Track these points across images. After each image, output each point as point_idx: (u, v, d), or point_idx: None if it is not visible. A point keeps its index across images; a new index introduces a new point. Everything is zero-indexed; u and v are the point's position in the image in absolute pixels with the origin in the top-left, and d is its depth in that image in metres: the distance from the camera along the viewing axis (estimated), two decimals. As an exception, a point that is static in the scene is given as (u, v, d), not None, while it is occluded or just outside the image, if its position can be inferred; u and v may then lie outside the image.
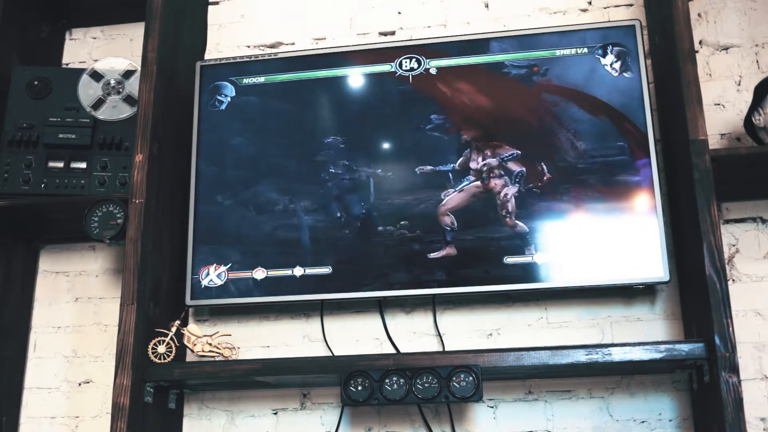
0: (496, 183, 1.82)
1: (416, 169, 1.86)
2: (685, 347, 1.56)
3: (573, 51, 1.86)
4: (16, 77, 2.00)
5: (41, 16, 2.22)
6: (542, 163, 1.81)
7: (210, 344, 1.81)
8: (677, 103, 1.69)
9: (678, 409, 1.78)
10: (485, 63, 1.90)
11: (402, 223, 1.83)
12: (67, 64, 2.31)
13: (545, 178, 1.80)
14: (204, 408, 1.96)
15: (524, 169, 1.82)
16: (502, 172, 1.83)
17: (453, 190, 1.84)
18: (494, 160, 1.84)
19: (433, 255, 1.80)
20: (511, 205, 1.80)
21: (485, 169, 1.84)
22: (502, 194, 1.81)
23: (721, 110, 1.95)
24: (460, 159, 1.85)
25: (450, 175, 1.85)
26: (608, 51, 1.85)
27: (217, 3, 2.29)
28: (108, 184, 1.93)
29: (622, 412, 1.80)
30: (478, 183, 1.83)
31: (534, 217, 1.79)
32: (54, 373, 2.06)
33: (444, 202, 1.83)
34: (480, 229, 1.80)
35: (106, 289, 2.11)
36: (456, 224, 1.81)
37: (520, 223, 1.79)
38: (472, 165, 1.84)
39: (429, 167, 1.85)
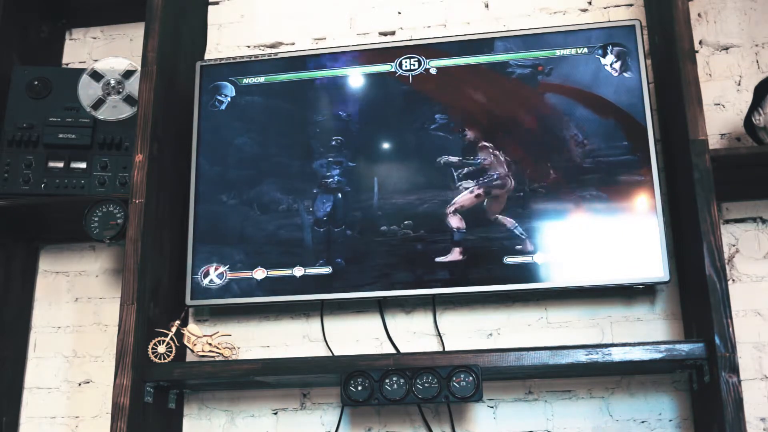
0: (504, 182, 1.82)
1: (438, 159, 1.84)
2: (685, 347, 1.56)
3: (573, 51, 1.86)
4: (16, 77, 2.00)
5: (41, 16, 2.22)
6: (546, 163, 1.81)
7: (210, 344, 1.81)
8: (677, 103, 1.69)
9: (678, 409, 1.78)
10: (486, 63, 1.90)
11: (406, 222, 1.83)
12: (67, 64, 2.31)
13: (550, 177, 1.80)
14: (204, 408, 1.96)
15: (528, 168, 1.82)
16: (509, 172, 1.83)
17: (457, 189, 1.83)
18: (496, 159, 1.84)
19: (437, 255, 1.80)
20: (514, 205, 1.80)
21: (490, 168, 1.84)
22: (506, 194, 1.81)
23: (721, 110, 1.95)
24: (462, 159, 1.85)
25: (454, 174, 1.85)
26: (608, 51, 1.85)
27: (217, 3, 2.29)
28: (108, 184, 1.93)
29: (622, 412, 1.80)
30: (483, 183, 1.83)
31: (536, 217, 1.79)
32: (54, 373, 2.06)
33: (453, 200, 1.83)
34: (484, 229, 1.80)
35: (106, 289, 2.11)
36: (464, 223, 1.81)
37: (522, 223, 1.78)
38: (475, 165, 1.84)
39: (453, 157, 1.84)
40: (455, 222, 1.81)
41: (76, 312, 2.10)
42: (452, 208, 1.83)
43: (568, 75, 1.85)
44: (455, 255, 1.79)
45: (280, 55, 2.01)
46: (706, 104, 1.90)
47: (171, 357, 1.77)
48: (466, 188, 1.83)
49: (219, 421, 1.95)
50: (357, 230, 1.85)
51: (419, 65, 1.93)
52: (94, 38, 2.34)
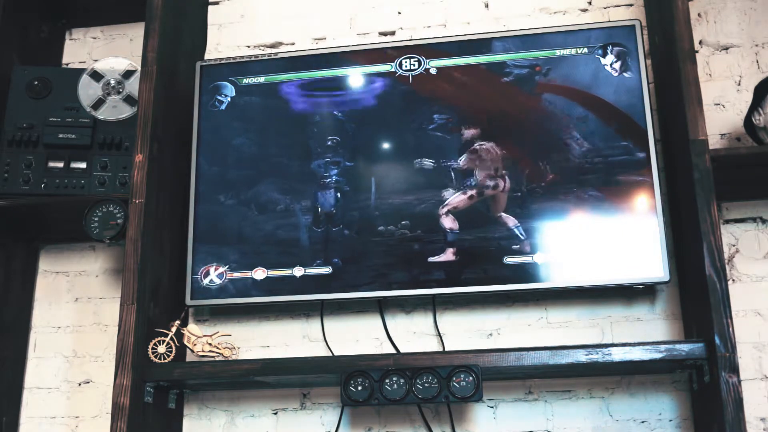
0: (497, 183, 1.82)
1: (415, 162, 1.85)
2: (685, 347, 1.56)
3: (573, 51, 1.86)
4: (16, 77, 2.00)
5: (41, 16, 2.22)
6: (544, 163, 1.81)
7: (210, 344, 1.81)
8: (677, 103, 1.69)
9: (678, 409, 1.78)
10: (486, 63, 1.90)
11: (403, 222, 1.83)
12: (67, 64, 2.31)
13: (548, 178, 1.80)
14: (204, 408, 1.96)
15: (526, 168, 1.82)
16: (504, 172, 1.83)
17: (454, 189, 1.84)
18: (496, 159, 1.84)
19: (433, 255, 1.80)
20: (512, 205, 1.80)
21: (487, 168, 1.84)
22: (503, 194, 1.81)
23: (721, 110, 1.95)
24: (462, 158, 1.85)
25: (452, 174, 1.85)
26: (608, 51, 1.85)
27: (217, 3, 2.29)
28: (108, 184, 1.93)
29: (622, 412, 1.80)
30: (480, 183, 1.83)
31: (534, 217, 1.79)
32: (54, 373, 2.06)
33: (445, 201, 1.83)
34: (481, 229, 1.80)
35: (106, 289, 2.11)
36: (457, 224, 1.81)
37: (520, 223, 1.79)
38: (474, 165, 1.84)
39: (428, 162, 1.85)
40: (448, 222, 1.81)
41: (76, 312, 2.10)
42: (445, 209, 1.83)
43: (568, 75, 1.85)
44: (448, 255, 1.79)
45: (280, 55, 2.01)
46: (706, 104, 1.90)
47: (171, 357, 1.77)
48: (465, 188, 1.83)
49: (219, 421, 1.95)
50: (355, 230, 1.85)
51: (419, 65, 1.93)
52: (94, 38, 2.34)
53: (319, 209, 1.88)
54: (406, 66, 1.93)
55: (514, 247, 1.77)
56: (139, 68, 1.92)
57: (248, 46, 2.23)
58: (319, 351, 1.94)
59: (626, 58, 1.84)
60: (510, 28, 2.08)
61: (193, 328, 1.82)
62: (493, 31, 1.95)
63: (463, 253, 1.79)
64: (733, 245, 1.86)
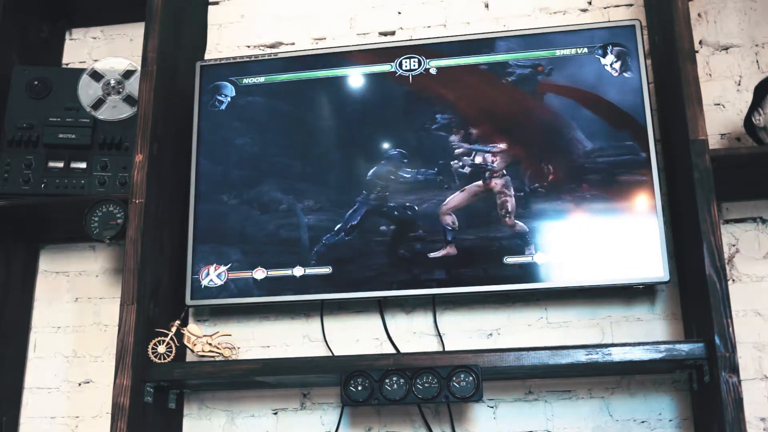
0: (497, 183, 1.82)
1: (416, 164, 1.85)
2: (685, 347, 1.56)
3: (573, 51, 1.86)
4: (16, 77, 2.01)
5: (41, 16, 2.22)
6: (545, 163, 1.81)
7: (210, 344, 1.81)
8: (677, 103, 1.69)
9: (678, 409, 1.78)
10: (485, 63, 1.90)
11: (404, 222, 1.83)
12: (67, 64, 2.31)
13: (550, 178, 1.80)
14: (204, 408, 1.96)
15: (527, 168, 1.82)
16: (504, 172, 1.83)
17: (455, 189, 1.84)
18: (496, 159, 1.84)
19: (433, 254, 1.80)
20: (510, 205, 1.80)
21: (487, 168, 1.84)
22: (502, 194, 1.81)
23: (721, 110, 1.95)
24: (462, 158, 1.85)
25: (453, 173, 1.85)
26: (608, 51, 1.85)
27: (217, 3, 2.29)
28: (108, 184, 1.93)
29: (622, 412, 1.80)
30: (480, 183, 1.83)
31: (534, 217, 1.79)
32: (54, 373, 2.06)
33: (445, 201, 1.83)
34: (481, 229, 1.80)
35: (106, 289, 2.11)
36: (457, 224, 1.81)
37: (520, 223, 1.79)
38: (474, 165, 1.84)
39: (429, 162, 1.85)
40: (453, 222, 1.81)
41: (76, 312, 2.10)
42: (450, 208, 1.83)
43: (569, 75, 1.85)
44: (453, 254, 1.79)
45: (280, 55, 2.01)
46: (706, 104, 1.90)
47: (171, 357, 1.77)
48: (465, 188, 1.83)
49: (219, 421, 1.95)
50: (356, 230, 1.85)
51: (419, 65, 1.93)
52: (94, 38, 2.34)
53: (319, 209, 1.88)
54: (406, 66, 1.93)
55: (517, 246, 1.77)
56: (139, 68, 1.92)
57: (248, 46, 2.23)
58: (319, 351, 1.94)
59: (626, 58, 1.84)
60: (510, 28, 2.08)
61: (193, 328, 1.82)
62: (493, 31, 1.95)
63: (464, 251, 1.79)
64: (733, 245, 1.86)
